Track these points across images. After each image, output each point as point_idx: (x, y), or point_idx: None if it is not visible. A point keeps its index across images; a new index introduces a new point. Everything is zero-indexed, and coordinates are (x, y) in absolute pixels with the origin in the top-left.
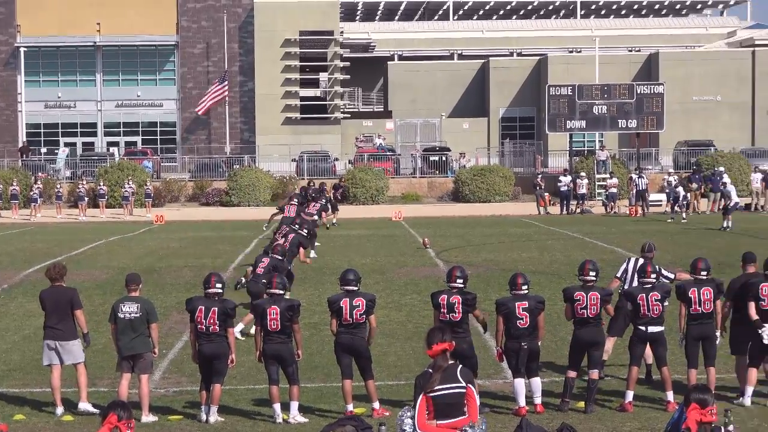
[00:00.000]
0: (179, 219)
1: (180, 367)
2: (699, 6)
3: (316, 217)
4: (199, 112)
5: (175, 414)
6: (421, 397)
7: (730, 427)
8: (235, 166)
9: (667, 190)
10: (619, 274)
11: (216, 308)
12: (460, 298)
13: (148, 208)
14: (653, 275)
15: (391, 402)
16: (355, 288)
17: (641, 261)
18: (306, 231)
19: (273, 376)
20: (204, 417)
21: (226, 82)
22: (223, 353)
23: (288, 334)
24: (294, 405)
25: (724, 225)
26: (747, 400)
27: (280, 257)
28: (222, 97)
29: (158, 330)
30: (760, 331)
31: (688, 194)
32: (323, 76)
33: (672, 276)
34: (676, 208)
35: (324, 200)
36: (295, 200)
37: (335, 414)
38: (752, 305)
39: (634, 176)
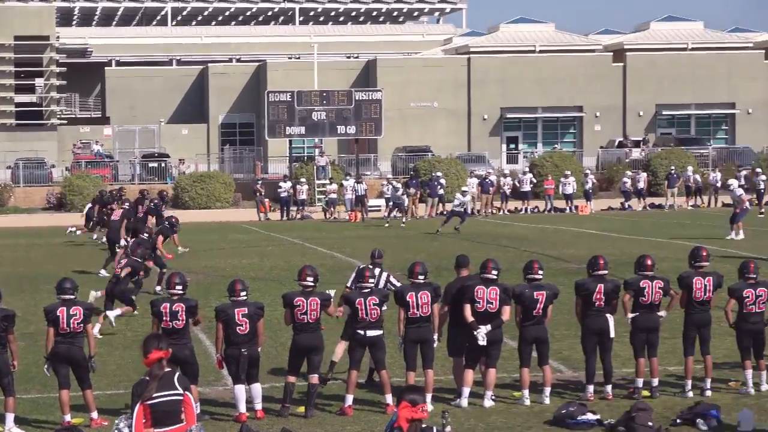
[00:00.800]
0: None
1: None
2: (416, 13)
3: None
4: None
5: None
6: (138, 405)
7: (447, 429)
8: None
9: (387, 195)
10: (349, 284)
11: None
12: (183, 305)
13: None
14: (371, 280)
15: (110, 411)
16: (73, 296)
17: (377, 269)
18: (147, 235)
19: None
20: None
21: None
22: None
23: (3, 344)
24: (9, 417)
25: (456, 226)
26: (464, 401)
27: (139, 259)
28: None
29: None
30: (476, 333)
31: (407, 199)
32: (39, 82)
33: (399, 284)
34: (395, 213)
35: (151, 204)
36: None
37: (52, 425)
38: (468, 308)
39: (345, 182)
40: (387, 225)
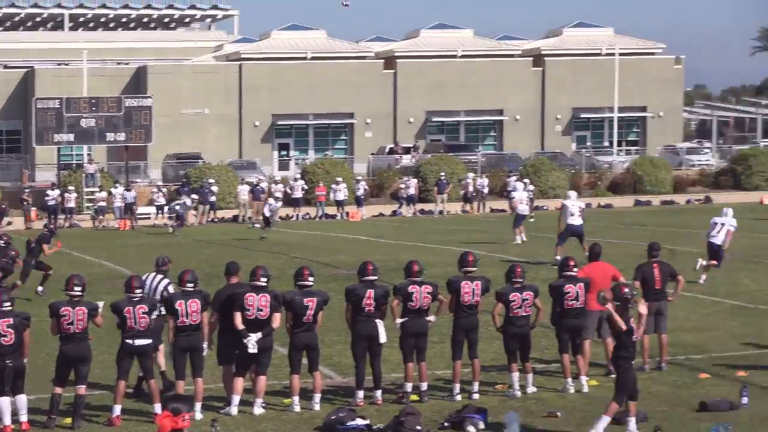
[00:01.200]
0: None
1: None
2: (187, 20)
3: None
4: None
5: None
6: None
7: None
8: None
9: (159, 203)
10: None
11: None
12: None
13: None
14: (138, 290)
15: None
16: None
17: (159, 276)
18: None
19: None
20: None
21: None
22: None
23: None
24: None
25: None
26: (233, 409)
27: (7, 260)
28: None
29: None
30: (245, 341)
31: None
32: None
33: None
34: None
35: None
36: None
37: None
38: (238, 315)
39: (114, 190)
40: (172, 232)
